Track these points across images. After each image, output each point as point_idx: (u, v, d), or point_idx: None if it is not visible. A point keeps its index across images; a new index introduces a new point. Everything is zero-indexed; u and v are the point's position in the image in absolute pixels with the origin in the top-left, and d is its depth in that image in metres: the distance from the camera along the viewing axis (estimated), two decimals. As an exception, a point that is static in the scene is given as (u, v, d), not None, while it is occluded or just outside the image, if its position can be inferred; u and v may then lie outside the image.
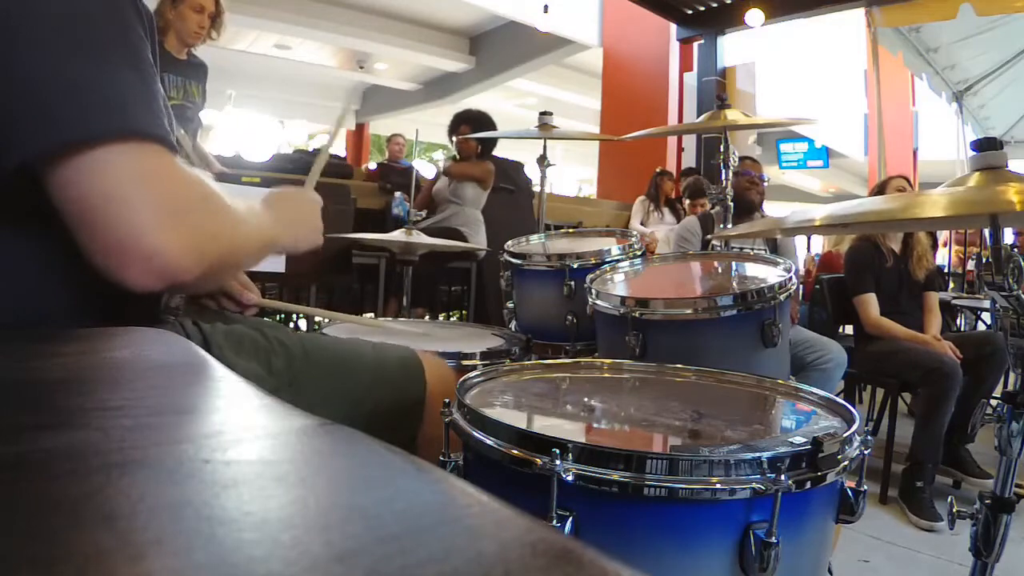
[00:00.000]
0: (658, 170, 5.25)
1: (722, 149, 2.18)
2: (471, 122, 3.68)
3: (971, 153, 1.04)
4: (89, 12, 0.62)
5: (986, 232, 1.00)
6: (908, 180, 2.81)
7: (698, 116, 2.48)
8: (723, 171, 2.21)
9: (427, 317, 3.74)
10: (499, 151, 4.40)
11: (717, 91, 4.27)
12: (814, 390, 1.02)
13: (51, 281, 0.69)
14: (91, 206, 0.58)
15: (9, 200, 0.66)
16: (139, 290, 0.61)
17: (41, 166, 0.58)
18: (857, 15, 5.65)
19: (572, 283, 1.73)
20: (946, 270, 5.48)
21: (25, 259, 0.68)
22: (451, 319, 4.10)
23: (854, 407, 0.91)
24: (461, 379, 0.97)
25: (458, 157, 3.80)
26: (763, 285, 1.38)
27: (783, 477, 0.70)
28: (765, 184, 2.72)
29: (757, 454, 0.72)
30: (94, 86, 0.59)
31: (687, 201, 4.80)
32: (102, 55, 0.61)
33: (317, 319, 3.28)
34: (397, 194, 3.79)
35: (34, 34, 0.58)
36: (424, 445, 0.97)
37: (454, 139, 3.72)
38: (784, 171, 12.65)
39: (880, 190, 2.76)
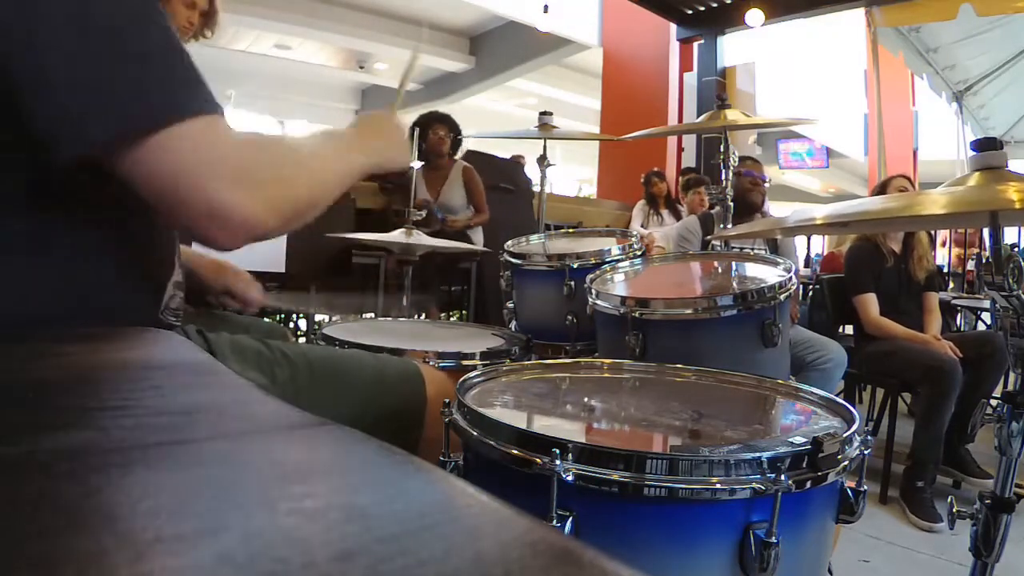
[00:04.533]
0: (642, 178, 5.26)
1: (722, 149, 2.18)
2: (446, 122, 3.67)
3: (971, 153, 1.04)
4: (109, 18, 0.63)
5: (986, 232, 1.00)
6: (910, 179, 2.80)
7: (698, 116, 2.48)
8: (723, 171, 2.21)
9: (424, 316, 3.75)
10: (499, 151, 4.39)
11: (717, 91, 4.27)
12: (814, 390, 1.01)
13: (52, 282, 0.69)
14: (164, 184, 0.63)
15: (13, 201, 0.66)
16: (227, 249, 0.67)
17: (107, 154, 0.62)
18: (857, 15, 5.65)
19: (572, 283, 1.73)
20: (945, 270, 5.47)
21: (27, 259, 0.68)
22: (451, 319, 4.10)
23: (854, 407, 0.90)
24: (461, 379, 0.97)
25: (427, 154, 3.75)
26: (763, 285, 1.38)
27: (783, 477, 0.70)
28: (767, 185, 2.72)
29: (757, 454, 0.72)
30: (142, 73, 0.63)
31: (687, 195, 4.82)
32: (140, 40, 0.64)
33: (317, 318, 3.28)
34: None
35: (70, 29, 0.61)
36: (425, 446, 0.97)
37: (429, 134, 3.67)
38: (784, 171, 12.66)
39: (881, 190, 2.75)
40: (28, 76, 0.60)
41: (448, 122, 3.70)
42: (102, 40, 0.62)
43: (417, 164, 3.80)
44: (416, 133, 3.61)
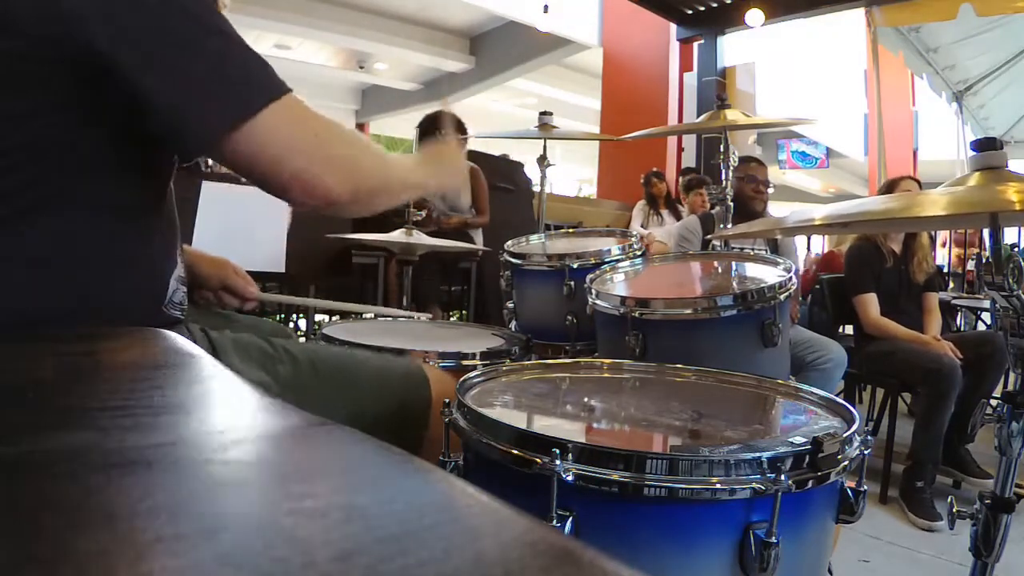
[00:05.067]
0: (642, 178, 5.26)
1: (722, 149, 2.18)
2: (455, 122, 3.68)
3: (971, 153, 1.03)
4: (191, 10, 0.70)
5: (986, 232, 1.00)
6: (918, 182, 2.78)
7: (698, 116, 2.47)
8: (723, 171, 2.21)
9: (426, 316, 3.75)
10: (499, 151, 4.38)
11: (717, 91, 4.27)
12: (814, 390, 1.01)
13: (56, 279, 0.69)
14: (259, 163, 0.72)
15: (15, 198, 0.66)
16: (305, 208, 0.76)
17: (211, 149, 0.72)
18: (857, 15, 5.66)
19: (572, 283, 1.73)
20: (945, 270, 5.47)
21: (28, 259, 0.68)
22: (451, 319, 4.10)
23: (854, 407, 0.90)
24: (461, 379, 0.97)
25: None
26: (763, 285, 1.37)
27: (783, 477, 0.70)
28: (770, 191, 2.70)
29: (757, 454, 0.72)
30: (231, 70, 0.71)
31: (688, 196, 4.83)
32: (223, 34, 0.71)
33: (317, 317, 3.28)
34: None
35: (157, 45, 0.68)
36: (425, 445, 0.97)
37: (438, 136, 3.67)
38: (784, 171, 12.66)
39: (888, 190, 2.73)
40: (144, 90, 0.67)
41: (456, 122, 3.70)
42: (195, 40, 0.69)
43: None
44: (419, 132, 3.63)
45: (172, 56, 0.68)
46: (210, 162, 3.14)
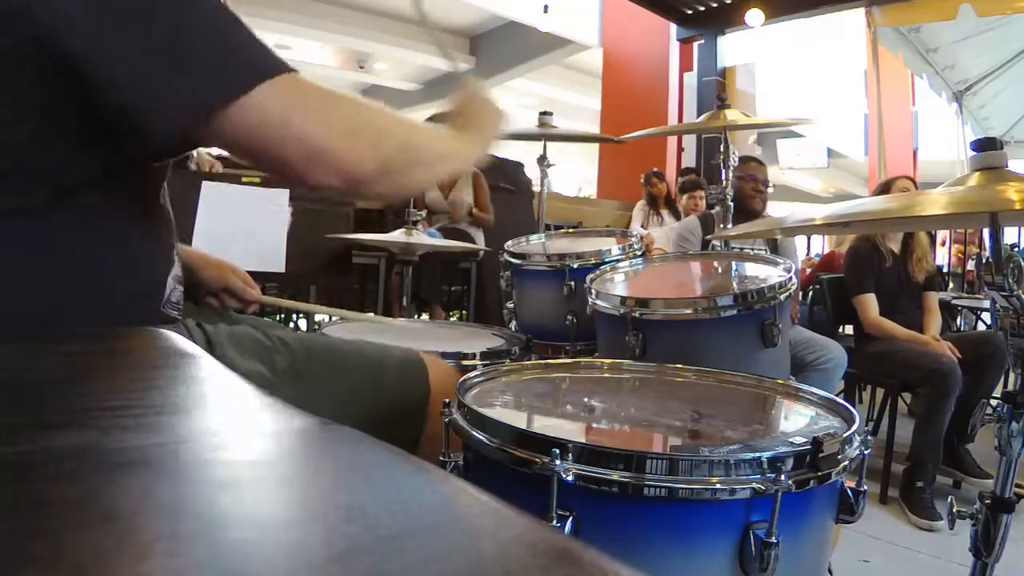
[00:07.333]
0: (642, 178, 5.26)
1: (722, 149, 2.18)
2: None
3: (971, 153, 1.04)
4: None
5: (986, 232, 1.00)
6: (913, 181, 2.79)
7: (698, 116, 2.48)
8: (723, 171, 2.21)
9: (426, 316, 3.76)
10: (499, 151, 4.37)
11: (717, 91, 4.26)
12: (814, 390, 1.01)
13: (54, 280, 0.69)
14: (266, 136, 0.68)
15: (15, 196, 0.66)
16: (330, 190, 0.72)
17: (209, 120, 0.67)
18: (857, 15, 5.66)
19: (572, 283, 1.73)
20: (945, 270, 5.48)
21: (27, 258, 0.68)
22: (451, 319, 4.10)
23: (854, 407, 0.90)
24: (461, 379, 0.97)
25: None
26: (763, 285, 1.38)
27: (783, 477, 0.70)
28: (770, 190, 2.70)
29: (757, 454, 0.72)
30: (229, 45, 0.68)
31: (683, 199, 4.84)
32: (220, 11, 0.68)
33: (317, 318, 3.28)
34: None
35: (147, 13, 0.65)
36: (425, 445, 0.97)
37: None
38: (784, 171, 12.66)
39: (884, 190, 2.74)
40: (108, 67, 0.64)
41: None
42: (187, 14, 0.66)
43: None
44: None
45: (130, 26, 0.64)
46: (207, 166, 3.14)
